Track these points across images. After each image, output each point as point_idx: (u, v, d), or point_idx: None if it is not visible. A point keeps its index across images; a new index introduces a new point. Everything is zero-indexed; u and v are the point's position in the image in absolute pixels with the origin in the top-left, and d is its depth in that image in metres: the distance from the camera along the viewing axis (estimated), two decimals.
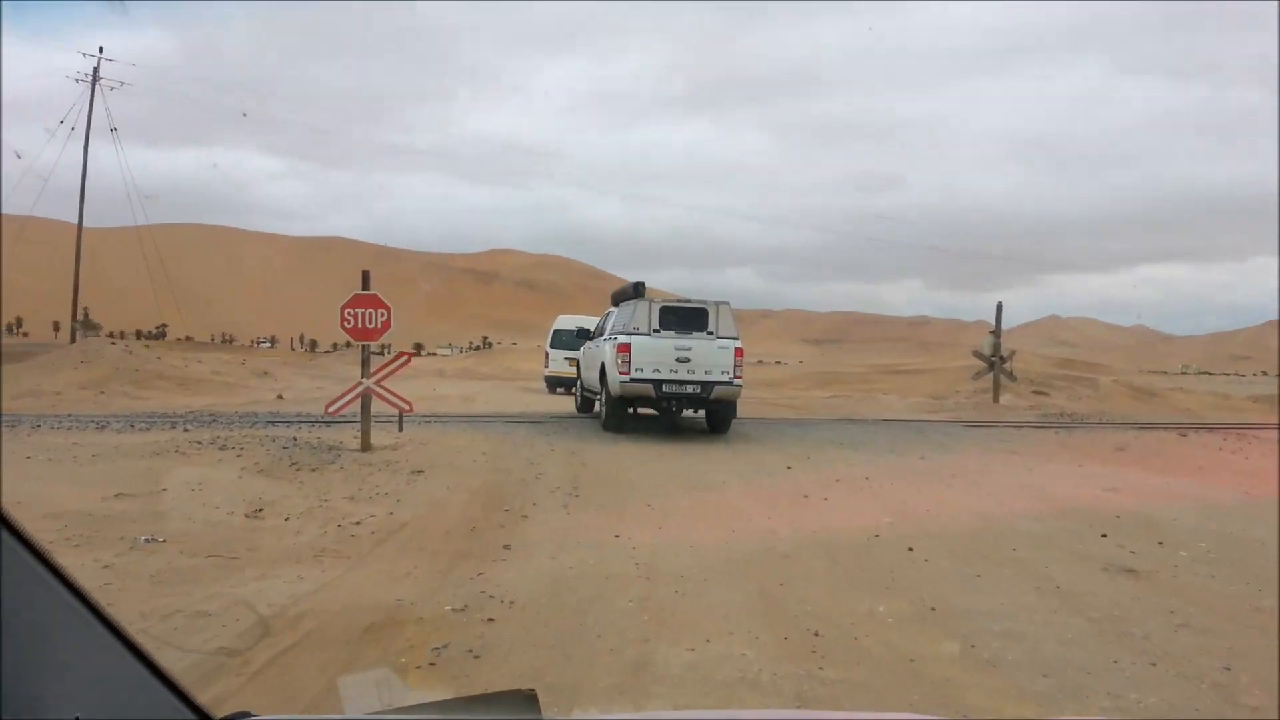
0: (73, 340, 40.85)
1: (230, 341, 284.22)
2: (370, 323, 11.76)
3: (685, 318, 14.18)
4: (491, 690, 0.88)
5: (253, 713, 1.13)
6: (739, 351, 14.18)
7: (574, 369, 19.94)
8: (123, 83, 41.95)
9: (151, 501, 8.09)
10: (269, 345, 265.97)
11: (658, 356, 13.86)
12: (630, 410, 14.95)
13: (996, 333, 25.52)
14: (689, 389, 14.02)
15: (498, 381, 37.34)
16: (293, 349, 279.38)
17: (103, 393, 22.06)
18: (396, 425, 13.53)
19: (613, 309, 15.83)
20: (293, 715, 1.01)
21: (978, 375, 26.24)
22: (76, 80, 40.55)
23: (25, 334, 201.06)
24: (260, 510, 7.87)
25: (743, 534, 7.52)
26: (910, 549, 6.90)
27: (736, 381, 14.19)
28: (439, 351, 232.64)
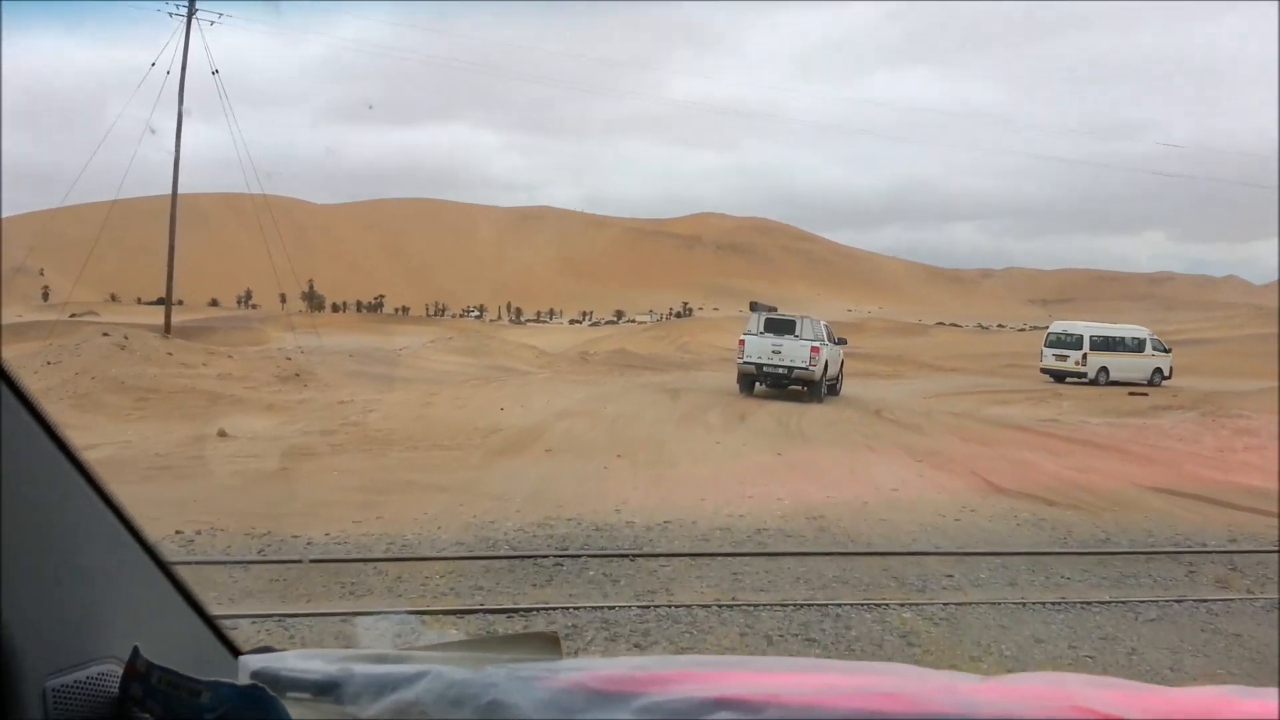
0: (167, 330, 35.35)
1: (443, 311, 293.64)
2: None
3: (781, 325, 20.77)
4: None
5: (275, 647, 1.18)
6: (814, 349, 20.28)
7: (1074, 365, 29.28)
8: (221, 14, 35.58)
9: None
10: (477, 315, 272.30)
11: (760, 349, 20.45)
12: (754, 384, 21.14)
13: None
14: (780, 370, 20.36)
15: (653, 376, 27.99)
16: (499, 317, 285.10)
17: None
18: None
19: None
20: (314, 650, 1.12)
21: None
22: (170, 14, 34.47)
23: (254, 305, 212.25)
24: None
25: None
26: None
27: (811, 368, 20.20)
28: (638, 318, 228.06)
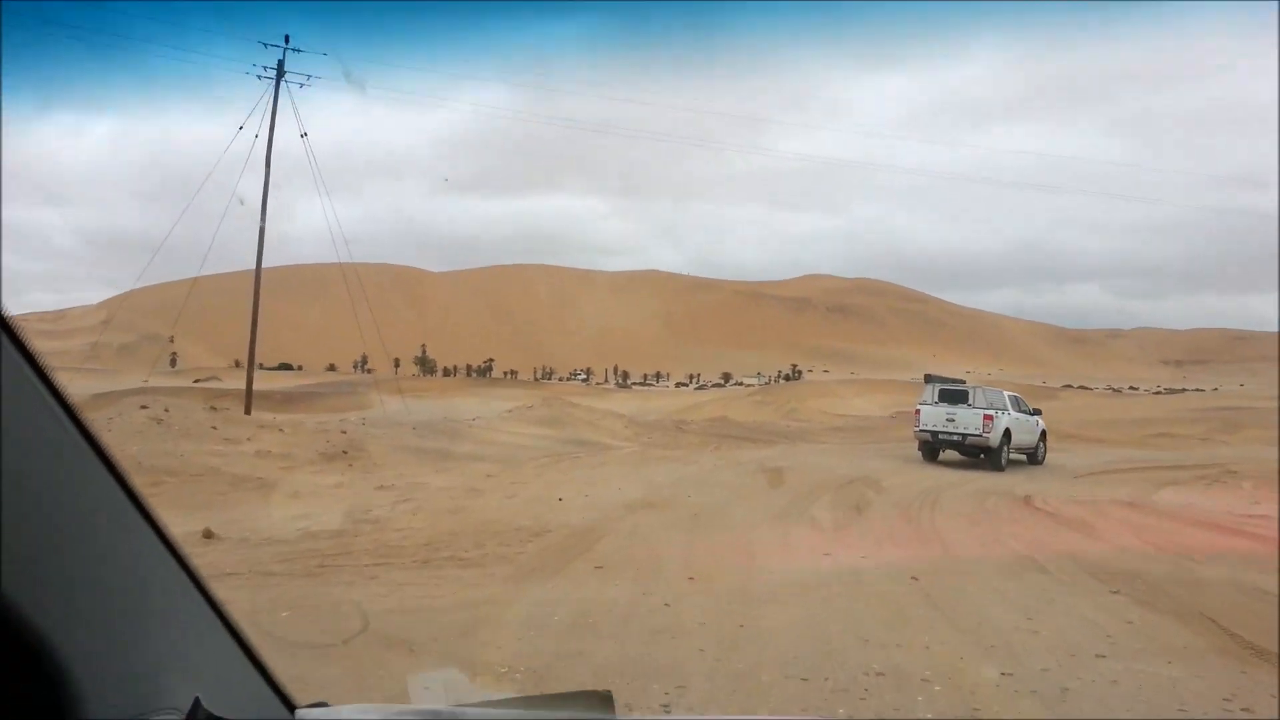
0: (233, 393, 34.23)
1: (550, 375, 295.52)
2: None
3: (954, 395, 22.43)
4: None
5: (328, 703, 1.17)
6: (987, 417, 21.52)
7: None
8: (310, 76, 34.70)
9: None
10: (584, 379, 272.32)
11: (934, 417, 22.23)
12: (936, 452, 22.79)
13: None
14: (954, 437, 21.90)
15: (754, 451, 24.75)
16: (605, 380, 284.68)
17: None
18: None
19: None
20: (366, 704, 1.18)
21: None
22: (259, 76, 33.88)
23: (369, 370, 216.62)
24: None
25: None
26: None
27: (985, 435, 21.41)
28: (745, 381, 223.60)
